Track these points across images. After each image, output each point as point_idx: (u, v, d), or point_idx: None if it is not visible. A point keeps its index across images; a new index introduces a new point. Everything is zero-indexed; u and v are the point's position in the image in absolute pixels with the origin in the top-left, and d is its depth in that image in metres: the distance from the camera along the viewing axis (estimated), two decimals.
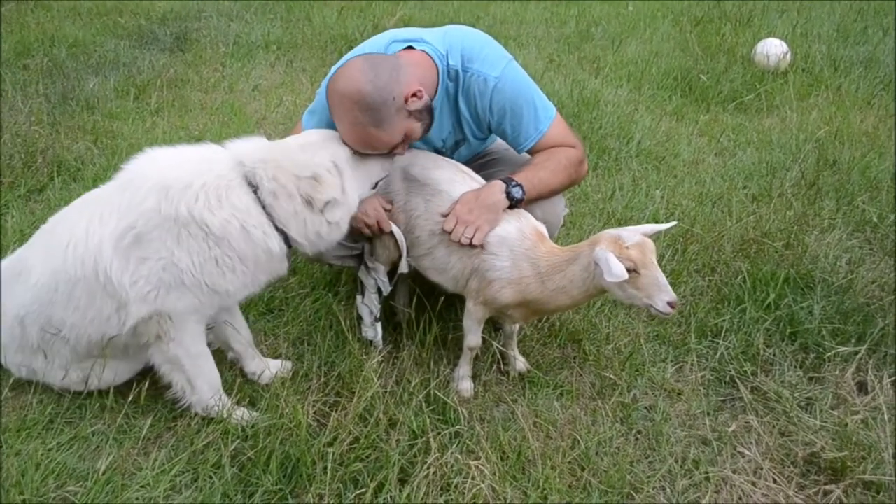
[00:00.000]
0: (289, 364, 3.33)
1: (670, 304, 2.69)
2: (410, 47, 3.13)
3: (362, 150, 2.99)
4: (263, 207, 2.84)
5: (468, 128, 3.27)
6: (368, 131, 2.92)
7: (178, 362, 2.97)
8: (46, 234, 3.02)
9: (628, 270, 2.68)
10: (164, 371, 3.02)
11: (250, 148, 2.92)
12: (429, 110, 3.05)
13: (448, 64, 3.13)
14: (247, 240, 2.82)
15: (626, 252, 2.70)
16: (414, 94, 2.95)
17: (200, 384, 3.03)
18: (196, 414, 3.06)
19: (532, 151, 3.24)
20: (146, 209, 2.75)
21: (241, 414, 3.05)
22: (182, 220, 2.74)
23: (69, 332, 2.94)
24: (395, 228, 3.20)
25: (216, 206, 2.76)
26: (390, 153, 3.07)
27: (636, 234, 2.74)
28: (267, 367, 3.31)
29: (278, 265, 2.98)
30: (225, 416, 3.00)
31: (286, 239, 2.91)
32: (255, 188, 2.83)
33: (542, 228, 3.06)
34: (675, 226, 2.89)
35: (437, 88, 3.13)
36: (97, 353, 3.00)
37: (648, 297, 2.72)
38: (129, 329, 2.88)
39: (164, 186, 2.76)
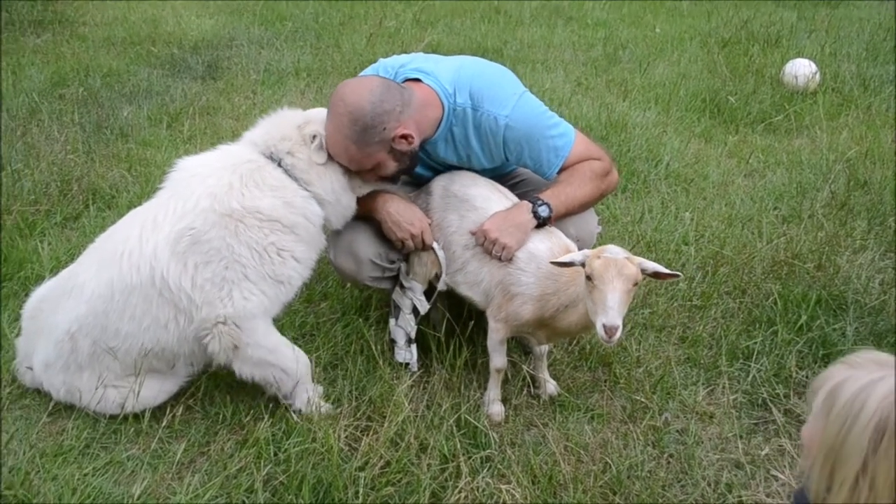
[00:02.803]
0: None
1: (605, 329, 2.64)
2: (419, 79, 3.18)
3: (331, 153, 3.09)
4: (290, 176, 3.06)
5: (476, 161, 3.32)
6: (346, 143, 3.02)
7: (264, 361, 3.11)
8: (96, 250, 3.15)
9: (588, 278, 2.71)
10: (255, 376, 3.15)
11: (256, 130, 3.19)
12: (412, 157, 3.15)
13: (455, 102, 3.19)
14: (293, 212, 3.03)
15: (594, 260, 2.71)
16: (404, 137, 3.03)
17: (292, 367, 3.15)
18: (230, 436, 3.10)
19: (558, 174, 3.28)
20: (202, 210, 2.94)
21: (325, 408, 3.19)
22: (237, 215, 2.94)
23: (122, 342, 3.03)
24: (435, 245, 3.24)
25: (259, 192, 2.98)
26: (353, 171, 3.15)
27: (622, 254, 2.72)
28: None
29: (320, 237, 3.18)
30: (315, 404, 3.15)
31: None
32: (277, 161, 3.07)
33: (573, 247, 3.07)
34: (679, 277, 2.85)
35: (439, 125, 3.19)
36: (145, 367, 3.07)
37: (594, 313, 2.71)
38: (191, 337, 3.02)
39: (211, 193, 2.96)
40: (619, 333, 2.65)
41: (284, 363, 3.14)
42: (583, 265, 2.76)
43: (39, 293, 3.29)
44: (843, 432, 1.72)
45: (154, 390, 3.15)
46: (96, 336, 3.03)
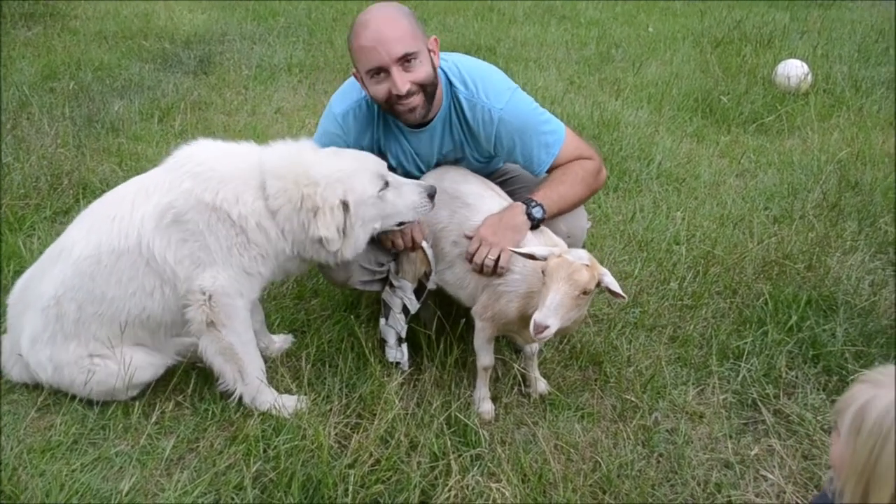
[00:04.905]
0: (290, 337, 3.66)
1: (534, 324, 2.65)
2: None
3: (388, 44, 2.99)
4: (269, 211, 3.01)
5: (469, 151, 3.34)
6: (402, 19, 3.05)
7: (232, 350, 3.11)
8: (87, 215, 3.18)
9: (543, 273, 2.73)
10: (217, 363, 3.15)
11: (276, 156, 3.07)
12: (430, 79, 3.10)
13: (453, 85, 3.20)
14: (265, 236, 3.02)
15: (553, 258, 2.72)
16: (432, 48, 3.11)
17: (251, 372, 3.16)
18: (219, 432, 3.09)
19: (548, 172, 3.28)
20: (183, 191, 2.96)
21: (286, 402, 3.19)
22: (210, 206, 2.94)
23: (108, 307, 3.05)
24: (424, 243, 3.24)
25: (233, 201, 2.96)
26: (394, 94, 3.04)
27: (584, 260, 2.72)
28: (272, 342, 3.60)
29: (299, 263, 3.18)
30: (276, 406, 3.15)
31: None
32: (267, 195, 3.00)
33: (563, 245, 3.06)
34: (624, 300, 2.86)
35: (441, 102, 3.21)
36: (130, 335, 3.11)
37: (537, 308, 2.71)
38: (174, 307, 3.06)
39: (197, 173, 2.98)
40: (547, 333, 2.64)
41: (246, 365, 3.16)
42: (545, 260, 2.77)
43: (22, 280, 3.30)
44: (874, 454, 1.72)
45: (143, 362, 3.16)
46: (81, 300, 3.04)
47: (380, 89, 3.05)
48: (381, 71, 3.01)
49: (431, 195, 3.12)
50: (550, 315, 2.64)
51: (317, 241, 2.99)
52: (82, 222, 3.16)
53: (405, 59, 2.99)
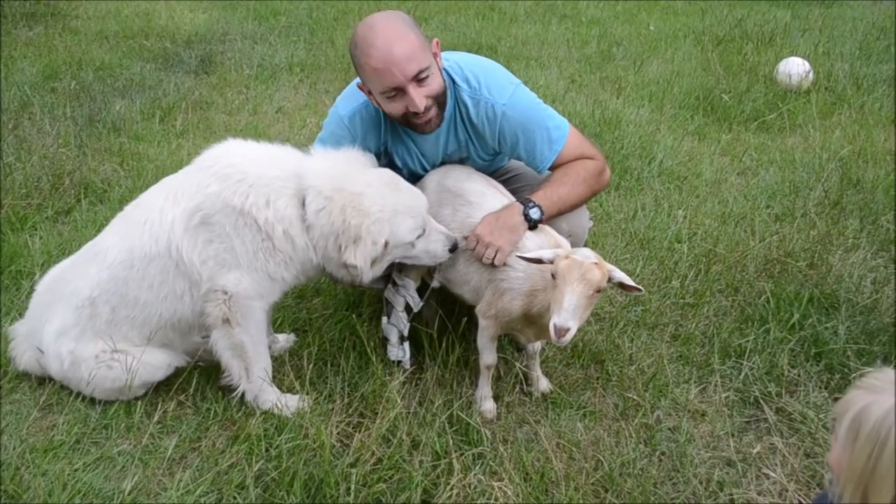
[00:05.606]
0: (293, 336, 3.68)
1: (556, 329, 2.64)
2: None
3: (401, 64, 2.93)
4: (303, 223, 3.00)
5: (473, 149, 3.34)
6: (407, 33, 2.95)
7: (242, 348, 3.13)
8: (123, 218, 3.20)
9: (553, 276, 2.71)
10: (225, 357, 3.17)
11: (322, 169, 3.03)
12: (445, 91, 3.11)
13: (456, 84, 3.19)
14: (291, 245, 3.01)
15: (562, 260, 2.71)
16: (435, 52, 3.05)
17: (257, 371, 3.18)
18: (221, 431, 3.10)
19: (551, 169, 3.27)
20: (210, 193, 2.96)
21: (288, 401, 3.20)
22: (238, 210, 2.94)
23: (141, 311, 3.09)
24: None
25: (263, 206, 2.94)
26: (409, 97, 2.99)
27: (592, 259, 2.71)
28: (275, 341, 3.61)
29: (321, 271, 3.17)
30: (278, 405, 3.16)
31: None
32: (303, 200, 2.99)
33: (565, 243, 3.06)
34: (641, 292, 2.85)
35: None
36: (160, 338, 3.15)
37: (552, 311, 2.70)
38: (199, 309, 3.08)
39: (227, 175, 2.97)
40: (569, 335, 2.64)
41: (253, 364, 3.17)
42: (552, 263, 2.76)
43: (54, 271, 3.33)
44: (872, 458, 1.73)
45: (162, 362, 3.20)
46: (116, 303, 3.08)
47: (396, 107, 3.05)
48: (396, 90, 3.00)
49: (453, 249, 3.14)
50: (570, 317, 2.64)
51: (345, 264, 3.00)
52: (117, 226, 3.18)
53: (418, 75, 2.97)
